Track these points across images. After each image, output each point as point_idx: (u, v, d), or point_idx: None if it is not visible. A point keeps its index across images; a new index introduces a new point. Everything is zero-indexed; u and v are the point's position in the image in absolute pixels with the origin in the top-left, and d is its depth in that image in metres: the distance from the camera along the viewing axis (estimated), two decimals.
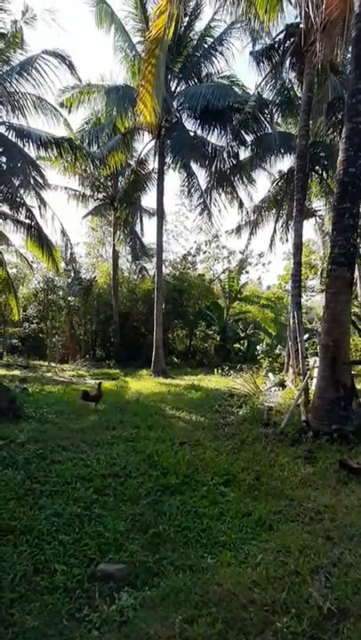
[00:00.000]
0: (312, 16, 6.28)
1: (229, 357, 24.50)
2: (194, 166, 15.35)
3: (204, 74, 14.82)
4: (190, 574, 2.85)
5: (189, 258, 25.23)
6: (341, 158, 5.99)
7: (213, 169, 11.02)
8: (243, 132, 11.48)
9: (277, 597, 2.48)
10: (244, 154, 13.77)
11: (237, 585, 2.62)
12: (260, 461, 5.20)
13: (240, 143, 11.56)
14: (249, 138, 11.93)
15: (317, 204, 17.98)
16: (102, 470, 4.55)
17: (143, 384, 13.19)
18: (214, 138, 13.92)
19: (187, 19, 14.50)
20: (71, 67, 11.36)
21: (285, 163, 16.08)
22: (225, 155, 10.87)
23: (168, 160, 15.89)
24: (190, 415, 8.00)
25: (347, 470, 4.75)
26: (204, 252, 25.85)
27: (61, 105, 13.84)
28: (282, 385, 11.57)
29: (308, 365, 9.53)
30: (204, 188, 14.86)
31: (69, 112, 14.29)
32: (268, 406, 8.81)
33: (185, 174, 15.23)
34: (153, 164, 17.21)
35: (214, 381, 14.12)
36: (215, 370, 16.65)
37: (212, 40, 14.54)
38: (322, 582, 2.64)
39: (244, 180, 14.62)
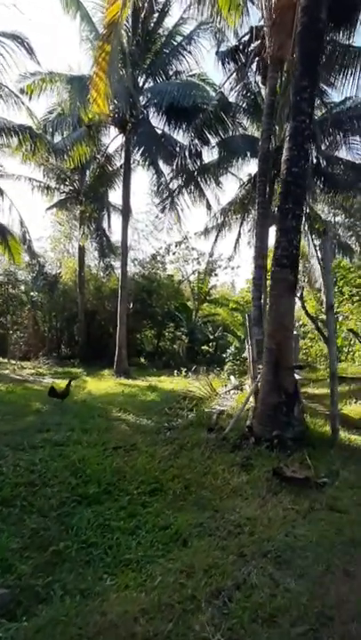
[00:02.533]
0: (261, 9, 6.15)
1: (197, 359, 24.36)
2: (163, 166, 15.13)
3: (172, 71, 14.60)
4: (80, 600, 2.55)
5: (159, 258, 24.92)
6: (285, 157, 5.85)
7: (175, 166, 10.76)
8: (206, 131, 11.30)
9: (162, 629, 2.22)
10: (210, 155, 13.59)
11: (123, 614, 2.34)
12: (195, 469, 4.96)
13: (203, 143, 11.38)
14: (213, 139, 11.78)
15: None
16: (16, 478, 4.20)
17: (101, 384, 12.88)
18: (180, 136, 13.78)
19: (156, 15, 14.25)
20: (30, 50, 10.89)
21: (252, 166, 16.03)
22: (187, 152, 10.65)
23: (137, 157, 15.63)
24: (136, 418, 7.73)
25: (280, 479, 4.57)
26: (174, 253, 25.62)
27: (22, 91, 13.28)
28: (241, 388, 11.48)
29: (259, 369, 9.40)
30: (173, 187, 14.65)
31: (30, 99, 13.76)
32: (219, 410, 8.64)
33: (153, 172, 14.94)
34: (121, 160, 16.87)
35: (175, 383, 13.90)
36: (180, 371, 16.43)
37: (180, 38, 14.35)
38: (218, 609, 2.40)
39: (210, 182, 14.45)
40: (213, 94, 12.49)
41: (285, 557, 3.03)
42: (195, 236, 22.14)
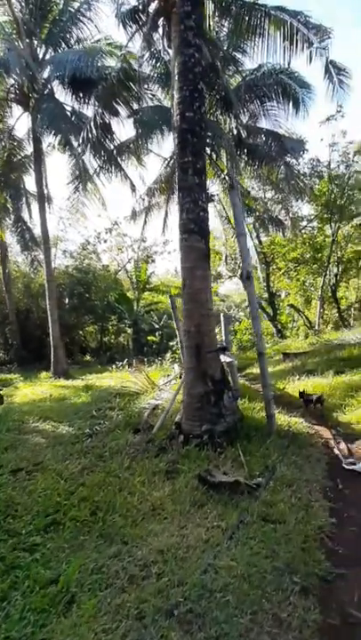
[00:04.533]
0: None
1: (144, 351, 23.61)
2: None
3: (74, 40, 13.27)
4: None
5: (90, 247, 23.60)
6: (177, 100, 5.03)
7: (81, 139, 9.62)
8: (112, 100, 10.20)
9: None
10: (125, 131, 12.47)
11: None
12: (109, 485, 4.10)
13: (111, 113, 10.31)
14: (122, 110, 10.68)
15: (215, 188, 17.41)
16: None
17: (34, 389, 11.72)
18: (91, 112, 12.52)
19: None
20: None
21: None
22: (92, 124, 9.53)
23: (50, 139, 14.31)
24: (56, 426, 6.72)
25: (206, 486, 3.83)
26: (105, 241, 24.35)
27: None
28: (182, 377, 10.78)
29: None
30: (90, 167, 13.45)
31: None
32: (153, 405, 7.87)
33: (69, 154, 13.65)
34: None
35: (114, 379, 12.97)
36: (118, 365, 15.53)
37: (78, 4, 13.07)
38: None
39: (132, 161, 13.39)
40: (118, 55, 11.35)
41: (199, 610, 2.27)
42: (124, 221, 21.26)
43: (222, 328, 7.79)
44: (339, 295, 21.24)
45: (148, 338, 25.97)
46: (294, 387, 9.37)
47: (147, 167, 14.74)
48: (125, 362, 13.94)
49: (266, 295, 25.13)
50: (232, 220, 17.34)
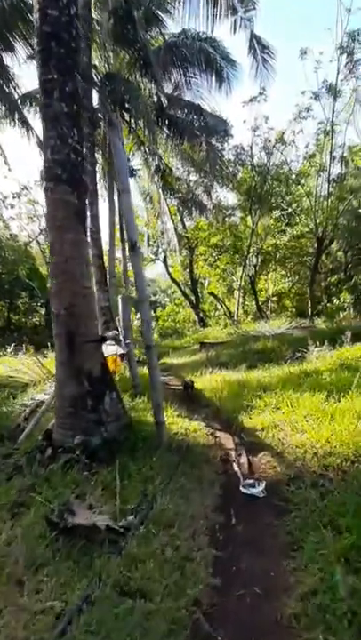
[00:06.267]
0: None
1: None
2: None
3: None
4: None
5: None
6: None
7: None
8: (7, 32, 8.38)
9: None
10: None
11: None
12: None
13: (5, 48, 8.50)
14: (20, 46, 8.89)
15: (137, 161, 16.14)
16: None
17: None
18: None
19: None
20: None
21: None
22: None
23: None
24: None
25: (56, 532, 2.76)
26: (12, 207, 21.88)
27: None
28: None
29: None
30: None
31: None
32: (37, 401, 6.64)
33: None
34: None
35: (12, 366, 11.33)
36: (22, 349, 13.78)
37: None
38: None
39: (34, 114, 11.67)
40: None
41: None
42: (35, 186, 19.43)
43: (120, 312, 6.72)
44: (258, 287, 21.23)
45: None
46: (203, 380, 8.68)
47: None
48: (13, 346, 12.28)
49: (189, 282, 24.60)
50: (155, 198, 16.28)
